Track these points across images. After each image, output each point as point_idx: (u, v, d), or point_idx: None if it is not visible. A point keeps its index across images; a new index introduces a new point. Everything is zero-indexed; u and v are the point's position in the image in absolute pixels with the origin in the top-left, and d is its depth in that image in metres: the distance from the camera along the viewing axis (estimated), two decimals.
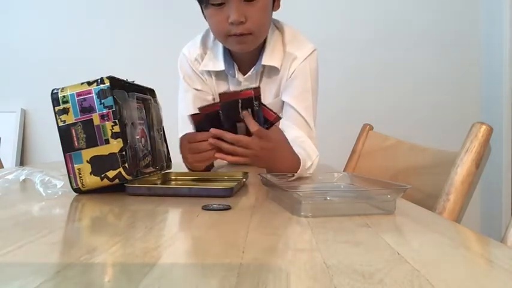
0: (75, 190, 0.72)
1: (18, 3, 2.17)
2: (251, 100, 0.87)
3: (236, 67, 1.09)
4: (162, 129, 0.94)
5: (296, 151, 0.92)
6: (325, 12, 2.08)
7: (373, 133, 1.21)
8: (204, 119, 0.87)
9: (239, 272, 0.34)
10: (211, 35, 1.11)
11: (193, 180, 0.89)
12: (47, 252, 0.40)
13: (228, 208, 0.60)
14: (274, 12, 1.08)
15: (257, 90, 0.86)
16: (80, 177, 0.71)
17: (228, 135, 0.83)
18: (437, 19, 2.07)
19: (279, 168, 0.85)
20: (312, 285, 0.32)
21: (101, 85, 0.71)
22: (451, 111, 2.06)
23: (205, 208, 0.60)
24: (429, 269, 0.35)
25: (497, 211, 1.97)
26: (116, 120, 0.71)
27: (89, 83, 0.72)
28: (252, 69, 1.07)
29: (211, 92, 1.15)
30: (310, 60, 1.06)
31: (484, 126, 0.72)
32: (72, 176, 0.72)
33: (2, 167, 1.36)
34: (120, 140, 0.71)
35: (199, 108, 0.87)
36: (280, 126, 1.04)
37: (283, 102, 1.08)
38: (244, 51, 1.04)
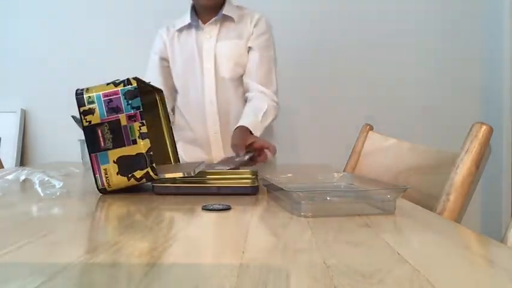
0: (100, 190, 0.72)
1: (18, 3, 2.17)
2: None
3: (200, 22, 1.39)
4: (170, 128, 0.96)
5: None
6: (325, 11, 2.08)
7: (373, 133, 1.20)
8: None
9: (239, 272, 0.34)
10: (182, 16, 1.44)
11: (208, 178, 0.85)
12: (47, 252, 0.40)
13: (228, 208, 0.60)
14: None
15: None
16: (107, 177, 0.71)
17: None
18: (438, 19, 2.07)
19: None
20: (312, 285, 0.32)
21: (128, 86, 0.71)
22: (451, 111, 2.05)
23: (205, 208, 0.60)
24: (429, 269, 0.35)
25: (497, 211, 1.96)
26: (144, 121, 0.71)
27: (115, 84, 0.72)
28: (213, 18, 1.36)
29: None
30: (266, 21, 1.39)
31: (484, 127, 0.71)
32: (98, 176, 0.71)
33: (2, 167, 1.36)
34: (147, 140, 0.71)
35: None
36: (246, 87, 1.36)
37: (248, 51, 1.38)
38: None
